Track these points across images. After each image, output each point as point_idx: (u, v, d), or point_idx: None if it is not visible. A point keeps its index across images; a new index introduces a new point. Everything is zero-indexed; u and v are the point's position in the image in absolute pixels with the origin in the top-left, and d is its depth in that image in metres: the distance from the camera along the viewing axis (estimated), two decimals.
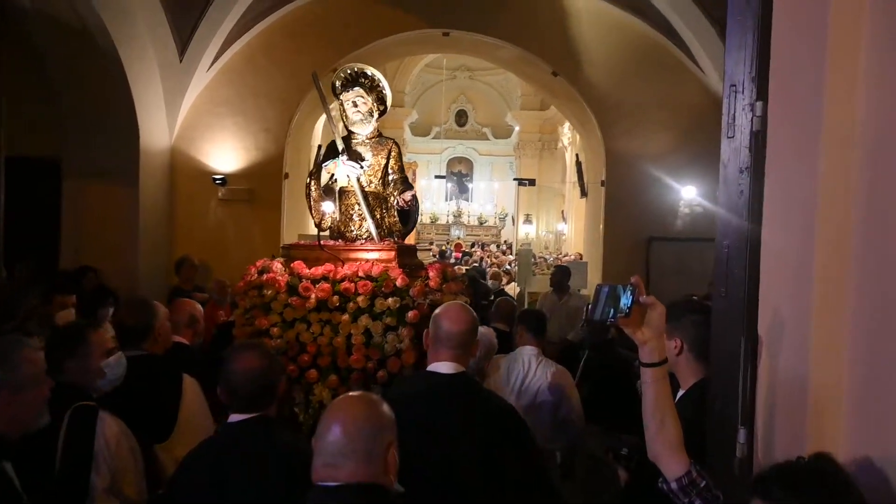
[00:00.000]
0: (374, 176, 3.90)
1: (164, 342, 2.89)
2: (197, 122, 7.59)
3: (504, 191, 29.25)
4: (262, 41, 7.46)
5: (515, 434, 2.22)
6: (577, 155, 8.75)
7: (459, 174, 31.14)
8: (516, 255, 8.26)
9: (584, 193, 8.45)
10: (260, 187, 7.58)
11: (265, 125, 7.56)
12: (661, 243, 7.08)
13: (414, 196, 3.97)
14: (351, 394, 1.68)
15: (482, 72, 28.97)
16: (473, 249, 23.42)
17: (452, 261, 16.68)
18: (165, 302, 6.61)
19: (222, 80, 7.54)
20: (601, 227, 7.26)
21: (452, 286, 3.75)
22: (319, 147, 8.62)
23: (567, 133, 22.64)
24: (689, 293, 7.14)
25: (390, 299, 3.36)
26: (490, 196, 30.28)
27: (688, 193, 6.98)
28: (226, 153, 7.58)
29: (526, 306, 7.65)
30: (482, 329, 2.97)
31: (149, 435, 2.47)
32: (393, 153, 3.98)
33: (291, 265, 3.56)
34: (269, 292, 3.43)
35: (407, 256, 3.81)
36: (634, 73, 7.14)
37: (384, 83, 4.02)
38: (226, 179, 7.54)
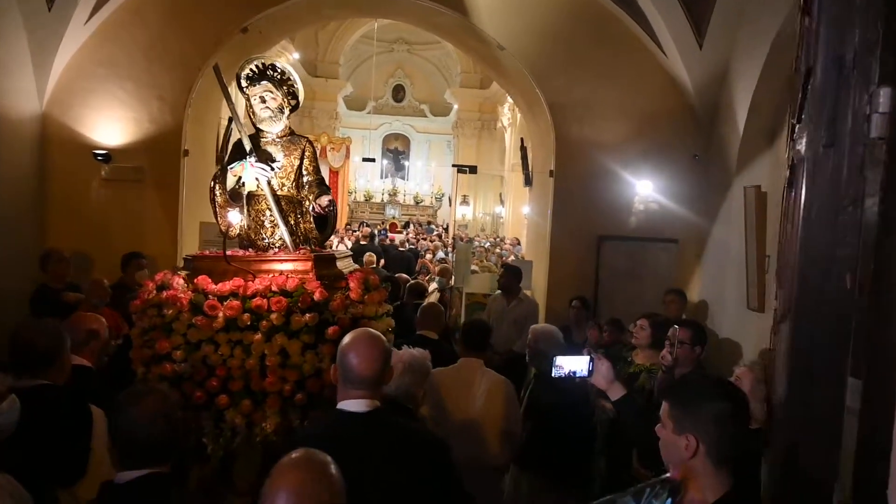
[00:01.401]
0: (287, 178, 3.59)
1: (66, 370, 2.60)
2: (74, 85, 6.29)
3: (441, 170, 28.59)
4: None
5: (440, 474, 2.12)
6: (521, 139, 7.94)
7: (396, 151, 30.15)
8: (454, 248, 7.39)
9: (528, 182, 7.66)
10: (153, 166, 6.39)
11: (159, 92, 6.35)
12: (614, 243, 6.41)
13: (331, 201, 3.63)
14: (296, 456, 1.55)
15: (421, 46, 28.03)
16: (407, 232, 22.56)
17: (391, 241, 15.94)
18: (28, 303, 5.51)
19: (105, 36, 6.26)
20: (548, 222, 6.49)
21: (375, 296, 3.47)
22: (230, 122, 7.49)
23: (507, 113, 22.01)
24: (640, 297, 6.54)
25: (307, 315, 3.10)
26: (427, 175, 29.57)
27: (643, 189, 6.30)
28: (110, 124, 6.34)
29: (463, 310, 6.84)
30: (415, 353, 2.88)
31: (54, 479, 2.31)
32: (307, 152, 3.67)
33: (195, 280, 3.21)
34: (171, 312, 3.12)
35: (325, 266, 3.43)
36: (590, 52, 6.37)
37: (295, 77, 3.68)
38: (110, 155, 6.31)
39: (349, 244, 12.64)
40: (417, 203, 29.12)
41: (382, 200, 28.62)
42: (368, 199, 28.25)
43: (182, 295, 3.16)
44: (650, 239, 6.37)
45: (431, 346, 3.89)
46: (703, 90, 6.10)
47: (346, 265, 3.78)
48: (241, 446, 3.10)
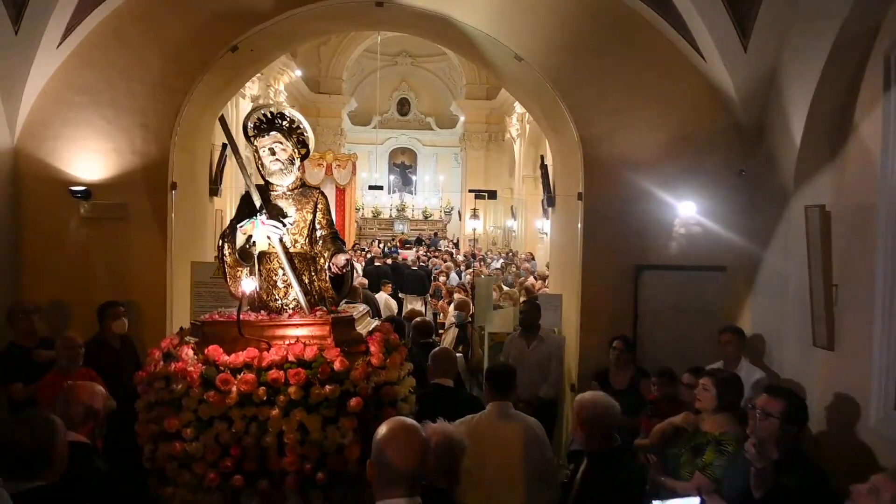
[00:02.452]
0: (300, 234, 3.43)
1: (62, 465, 2.40)
2: (48, 114, 5.68)
3: (449, 183, 28.09)
4: (134, 7, 5.61)
5: None
6: (541, 158, 7.25)
7: (402, 166, 29.65)
8: (468, 267, 6.70)
9: (550, 203, 6.97)
10: (137, 201, 5.75)
11: (142, 119, 5.73)
12: (654, 272, 5.70)
13: (348, 260, 3.39)
14: None
15: (425, 58, 27.64)
16: (417, 249, 21.92)
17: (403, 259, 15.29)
18: None
19: (81, 60, 5.65)
20: (578, 250, 5.79)
21: (397, 358, 3.28)
22: (223, 148, 6.87)
23: (515, 124, 21.43)
24: (686, 334, 5.78)
25: (328, 387, 2.93)
26: (435, 189, 29.05)
27: (685, 210, 5.60)
28: (89, 157, 5.72)
29: (486, 352, 6.15)
30: (448, 430, 2.60)
31: None
32: (320, 205, 3.50)
33: (206, 351, 3.01)
34: (180, 387, 2.93)
35: (344, 330, 3.22)
36: (620, 61, 5.71)
37: (305, 125, 3.53)
38: (89, 191, 5.68)
39: (359, 268, 11.96)
40: (426, 217, 28.61)
41: (391, 216, 28.14)
42: (376, 215, 27.78)
43: (192, 368, 2.96)
44: (694, 267, 5.65)
45: (449, 395, 4.05)
46: (749, 98, 5.41)
47: (364, 326, 3.50)
48: None
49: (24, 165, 5.67)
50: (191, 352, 3.08)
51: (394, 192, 28.97)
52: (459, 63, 24.51)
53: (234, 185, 15.18)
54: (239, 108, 16.03)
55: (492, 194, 7.22)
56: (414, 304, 11.35)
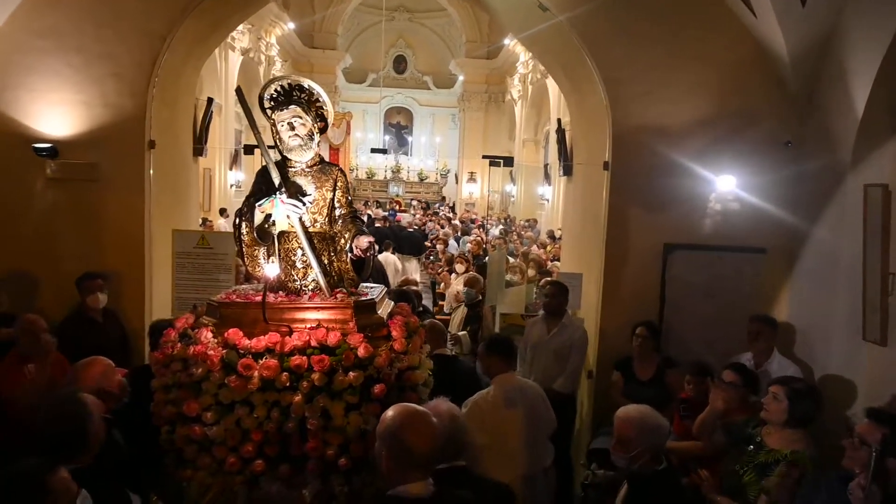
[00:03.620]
0: (319, 213, 3.30)
1: (97, 446, 2.50)
2: (6, 61, 5.00)
3: (446, 145, 27.33)
4: None
5: None
6: (558, 121, 6.63)
7: (398, 126, 28.78)
8: (488, 260, 6.18)
9: (567, 172, 6.39)
10: (110, 161, 5.12)
11: (115, 69, 5.05)
12: (684, 252, 5.17)
13: (371, 243, 3.26)
14: None
15: (423, 14, 26.56)
16: (414, 212, 21.38)
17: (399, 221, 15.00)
18: None
19: (44, 1, 4.94)
20: (602, 226, 5.25)
21: (417, 341, 3.24)
22: (209, 102, 6.19)
23: (517, 85, 20.61)
24: (718, 320, 5.27)
25: (352, 374, 2.87)
26: (431, 150, 28.27)
27: (723, 185, 5.04)
28: (55, 110, 5.06)
29: (496, 332, 5.63)
30: (447, 407, 2.67)
31: None
32: (339, 183, 3.36)
33: (226, 335, 2.93)
34: (200, 371, 2.87)
35: (366, 315, 3.12)
36: (658, 16, 5.07)
37: (325, 97, 3.34)
38: (56, 149, 5.05)
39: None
40: (422, 180, 27.90)
41: (385, 178, 27.41)
42: (371, 176, 27.05)
43: (212, 352, 2.87)
44: (730, 248, 5.12)
45: (452, 363, 4.25)
46: (802, 61, 4.80)
47: (384, 308, 3.37)
48: None
49: None
50: (210, 335, 2.97)
51: (389, 153, 28.18)
52: (460, 20, 23.50)
53: (221, 145, 14.50)
54: (228, 62, 15.16)
55: (508, 161, 6.53)
56: (409, 263, 11.74)
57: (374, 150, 18.38)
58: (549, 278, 6.81)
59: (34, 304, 4.98)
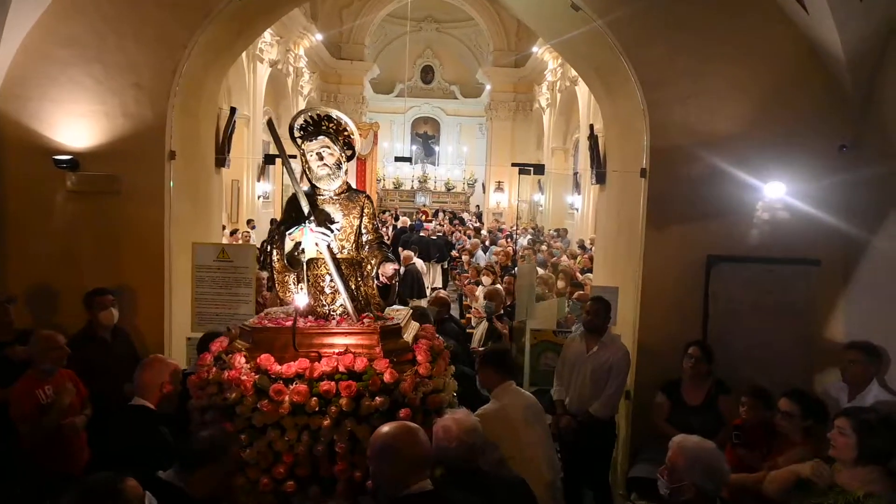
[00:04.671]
0: (347, 240, 3.42)
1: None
2: (29, 72, 4.93)
3: (473, 155, 27.14)
4: None
5: None
6: (591, 127, 6.35)
7: (425, 136, 28.70)
8: (517, 272, 5.92)
9: (601, 180, 6.10)
10: (131, 172, 5.01)
11: (136, 78, 4.95)
12: (729, 265, 4.84)
13: (396, 270, 3.42)
14: None
15: (450, 24, 26.49)
16: (439, 220, 21.23)
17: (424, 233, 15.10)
18: None
19: (65, 10, 4.88)
20: (641, 237, 4.95)
21: (442, 364, 3.33)
22: (232, 112, 6.07)
23: (545, 93, 20.32)
24: (769, 340, 4.87)
25: (378, 399, 2.97)
26: (458, 160, 28.12)
27: (772, 192, 4.71)
28: (76, 121, 4.97)
29: (527, 352, 5.36)
30: (461, 418, 2.84)
31: None
32: (366, 210, 3.47)
33: (258, 360, 3.06)
34: (234, 395, 2.99)
35: (392, 340, 3.24)
36: (700, 11, 4.78)
37: (352, 126, 3.44)
38: (77, 161, 4.95)
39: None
40: (449, 190, 27.76)
41: (412, 187, 27.36)
42: (398, 186, 27.02)
43: (245, 377, 3.01)
44: (780, 260, 4.78)
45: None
46: (859, 59, 4.46)
47: (409, 332, 3.49)
48: None
49: (4, 130, 4.95)
50: (243, 360, 3.10)
51: (416, 163, 28.10)
52: (487, 28, 23.36)
53: (249, 156, 14.51)
54: (256, 74, 15.20)
55: (538, 169, 6.27)
56: (433, 269, 12.82)
57: (398, 159, 18.33)
58: (581, 292, 6.50)
59: (54, 319, 4.88)
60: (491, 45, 23.83)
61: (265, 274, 8.29)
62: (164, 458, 2.86)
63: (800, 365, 4.62)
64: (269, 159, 5.81)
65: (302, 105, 18.99)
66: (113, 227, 5.03)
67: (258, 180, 15.64)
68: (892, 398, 3.79)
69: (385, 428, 2.43)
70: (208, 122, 5.84)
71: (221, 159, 5.97)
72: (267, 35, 15.12)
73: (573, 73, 16.37)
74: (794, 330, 4.53)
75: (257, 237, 12.68)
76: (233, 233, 11.82)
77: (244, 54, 14.11)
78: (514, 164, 5.85)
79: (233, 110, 6.14)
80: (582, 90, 15.80)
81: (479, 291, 8.27)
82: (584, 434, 4.59)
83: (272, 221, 15.74)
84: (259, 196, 15.82)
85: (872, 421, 2.67)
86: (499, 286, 6.74)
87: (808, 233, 4.74)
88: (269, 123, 3.62)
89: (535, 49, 19.41)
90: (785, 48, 4.70)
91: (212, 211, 5.98)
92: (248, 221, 14.45)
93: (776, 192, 4.69)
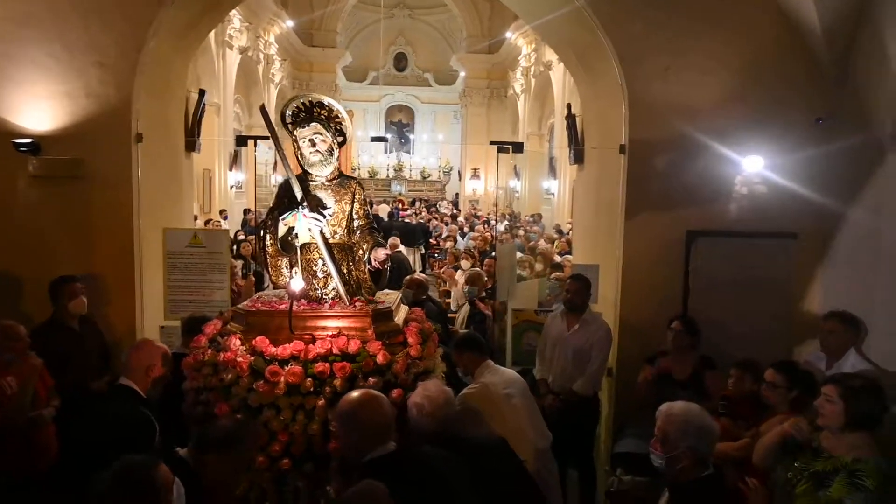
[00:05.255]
0: (339, 225, 3.48)
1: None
2: None
3: (448, 142, 26.99)
4: None
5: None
6: (568, 106, 6.30)
7: (400, 125, 28.46)
8: (497, 252, 5.87)
9: (578, 159, 6.06)
10: (95, 156, 4.82)
11: (99, 57, 4.75)
12: (709, 239, 4.84)
13: (388, 255, 3.48)
14: None
15: (423, 10, 26.27)
16: (416, 208, 21.15)
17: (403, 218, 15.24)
18: None
19: None
20: (619, 212, 4.92)
21: (432, 346, 3.43)
22: (201, 95, 5.89)
23: (520, 79, 20.25)
24: (748, 313, 4.88)
25: (371, 380, 3.06)
26: (433, 148, 27.96)
27: (751, 166, 4.71)
28: (37, 103, 4.76)
29: (509, 331, 5.32)
30: (433, 388, 2.94)
31: None
32: (357, 196, 3.53)
33: (253, 343, 3.13)
34: (229, 376, 3.08)
35: (383, 322, 3.33)
36: None
37: (343, 114, 3.50)
38: (38, 145, 4.75)
39: None
40: (424, 178, 27.62)
41: (388, 176, 27.14)
42: (373, 175, 26.77)
43: (241, 359, 3.09)
44: (759, 234, 4.79)
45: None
46: (834, 30, 4.47)
47: (400, 315, 3.58)
48: None
49: None
50: (238, 342, 3.16)
51: (391, 151, 27.88)
52: (460, 14, 23.18)
53: (220, 146, 14.22)
54: (226, 60, 14.86)
55: (517, 147, 6.18)
56: (415, 254, 13.47)
57: (374, 139, 18.14)
58: (559, 273, 6.48)
59: (18, 308, 4.70)
60: (464, 31, 23.66)
61: (239, 262, 8.18)
62: (150, 440, 2.96)
63: (780, 338, 4.64)
64: (240, 141, 5.61)
65: (273, 93, 18.66)
66: (79, 213, 4.85)
67: (230, 169, 15.33)
68: (869, 366, 3.82)
69: (351, 395, 2.59)
70: (176, 104, 5.65)
71: (192, 143, 5.79)
72: (236, 21, 14.79)
73: (547, 57, 16.35)
74: (774, 303, 4.56)
75: (230, 227, 12.45)
76: (206, 223, 11.58)
77: (213, 40, 13.79)
78: (492, 143, 5.73)
79: (202, 93, 5.94)
80: (556, 75, 15.76)
81: (459, 275, 8.22)
82: (568, 412, 4.57)
83: (245, 211, 15.53)
84: (232, 186, 15.52)
85: (858, 387, 2.67)
86: (480, 270, 6.68)
87: (785, 206, 4.75)
88: (262, 109, 3.58)
89: (508, 34, 19.31)
90: (762, 22, 4.69)
91: (183, 196, 5.80)
92: (221, 211, 14.19)
93: (754, 166, 4.69)
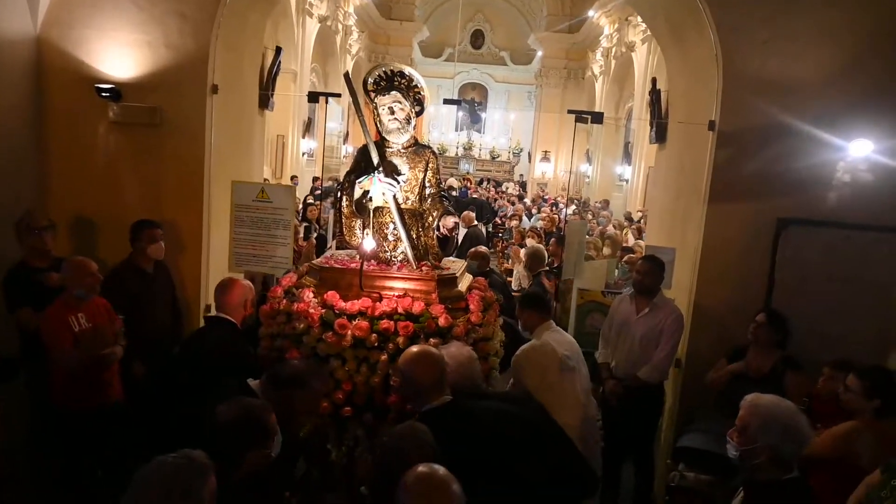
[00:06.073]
0: (411, 192, 3.61)
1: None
2: (75, 0, 4.81)
3: (520, 123, 26.56)
4: None
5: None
6: (653, 80, 5.93)
7: (472, 102, 28.18)
8: (566, 229, 5.63)
9: (660, 138, 5.71)
10: (172, 105, 4.86)
11: (178, 7, 4.77)
12: (802, 229, 4.44)
13: (456, 223, 3.66)
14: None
15: None
16: (484, 188, 20.95)
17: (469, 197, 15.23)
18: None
19: None
20: (703, 191, 4.59)
21: (492, 315, 3.52)
22: (277, 52, 5.90)
23: (599, 60, 19.57)
24: (844, 312, 4.42)
25: (432, 340, 3.18)
26: (504, 128, 27.58)
27: (857, 150, 4.27)
28: (119, 51, 4.83)
29: (573, 312, 5.09)
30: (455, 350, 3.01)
31: None
32: (431, 164, 3.63)
33: (325, 296, 3.33)
34: (301, 326, 3.27)
35: (447, 288, 3.45)
36: None
37: (422, 83, 3.58)
38: (119, 91, 4.83)
39: None
40: (493, 158, 27.33)
41: (457, 154, 27.01)
42: (442, 152, 26.68)
43: (313, 311, 3.26)
44: (861, 226, 4.36)
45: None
46: None
47: (464, 282, 3.67)
48: (361, 453, 3.25)
49: (48, 58, 4.86)
50: (311, 294, 3.35)
51: (461, 129, 27.68)
52: None
53: (292, 105, 14.36)
54: (305, 29, 14.99)
55: (597, 117, 5.85)
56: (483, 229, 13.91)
57: (446, 101, 17.91)
58: (632, 255, 6.17)
59: (95, 250, 4.83)
60: (545, 9, 23.05)
61: (303, 225, 8.25)
62: (250, 366, 3.18)
63: (876, 343, 4.23)
64: (312, 97, 5.56)
65: (350, 64, 18.76)
66: (153, 161, 4.92)
67: (303, 137, 15.55)
68: None
69: (410, 350, 2.74)
70: (252, 58, 5.65)
71: (265, 98, 5.79)
72: None
73: (630, 38, 15.68)
74: (872, 304, 4.14)
75: (300, 193, 12.63)
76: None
77: (294, 7, 13.93)
78: (570, 111, 5.45)
79: (278, 50, 5.93)
80: (639, 57, 15.11)
81: (523, 253, 8.02)
82: (631, 400, 4.33)
83: (314, 179, 15.75)
84: (304, 153, 15.75)
85: None
86: (542, 248, 6.46)
87: (892, 197, 4.30)
88: (346, 76, 3.68)
89: (591, 13, 18.65)
90: None
91: (253, 150, 5.82)
92: (293, 177, 14.42)
93: (862, 151, 4.25)
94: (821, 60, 4.33)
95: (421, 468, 1.90)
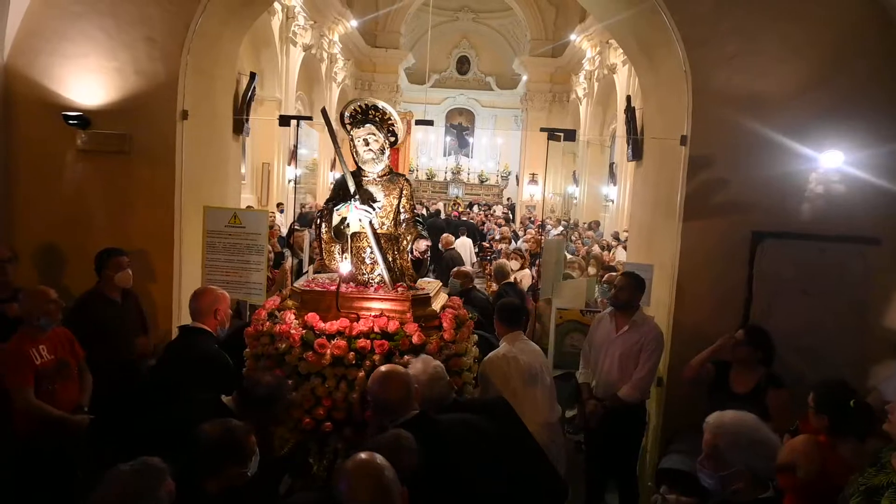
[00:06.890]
0: (387, 217, 3.82)
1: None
2: (42, 26, 4.79)
3: (507, 147, 26.75)
4: None
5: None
6: (627, 98, 5.95)
7: (459, 127, 28.41)
8: (543, 246, 5.59)
9: (637, 155, 5.70)
10: (141, 132, 4.82)
11: (147, 32, 4.76)
12: (776, 242, 4.41)
13: (429, 246, 3.84)
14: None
15: (487, 14, 26.17)
16: (475, 212, 20.98)
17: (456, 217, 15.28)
18: None
19: None
20: (678, 208, 4.56)
21: (465, 331, 3.68)
22: (252, 78, 5.88)
23: (582, 83, 19.77)
24: (816, 324, 4.37)
25: (406, 357, 3.36)
26: (492, 152, 27.76)
27: (828, 162, 4.26)
28: (88, 78, 4.80)
29: (552, 331, 5.01)
30: (424, 364, 3.13)
31: None
32: (405, 192, 3.88)
33: (305, 318, 3.53)
34: (283, 346, 3.45)
35: (421, 307, 3.65)
36: None
37: (395, 117, 3.83)
38: (87, 119, 4.79)
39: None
40: (482, 182, 27.44)
41: (445, 179, 27.09)
42: (431, 177, 26.79)
43: (294, 332, 3.44)
44: (835, 238, 4.33)
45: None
46: None
47: (438, 301, 3.86)
48: (341, 466, 3.29)
49: (15, 86, 4.83)
50: (293, 316, 3.54)
51: (449, 154, 27.84)
52: (524, 17, 22.92)
53: (277, 132, 14.31)
54: (290, 57, 15.06)
55: (569, 134, 5.81)
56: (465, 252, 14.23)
57: (419, 122, 17.97)
58: (612, 273, 6.12)
59: (61, 281, 4.74)
60: (528, 34, 23.38)
61: (272, 253, 8.18)
62: (227, 372, 3.39)
63: (853, 355, 4.17)
64: (283, 121, 5.53)
65: (336, 92, 18.86)
66: (123, 188, 4.86)
67: (289, 164, 15.53)
68: None
69: (378, 370, 2.85)
70: (225, 84, 5.63)
71: (239, 124, 5.76)
72: (301, 18, 14.99)
73: (611, 60, 15.86)
74: (848, 316, 4.10)
75: (285, 221, 12.56)
76: None
77: (277, 36, 14.01)
78: (542, 129, 5.44)
79: (252, 76, 5.92)
80: (620, 78, 15.27)
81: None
82: (612, 420, 4.24)
83: (301, 206, 15.68)
84: (290, 180, 15.72)
85: None
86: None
87: (867, 209, 4.29)
88: (324, 111, 3.86)
89: (573, 36, 18.91)
90: (847, 6, 4.25)
91: (229, 178, 5.78)
92: (278, 205, 14.37)
93: (833, 162, 4.25)
94: (787, 74, 4.34)
95: (362, 454, 2.00)
